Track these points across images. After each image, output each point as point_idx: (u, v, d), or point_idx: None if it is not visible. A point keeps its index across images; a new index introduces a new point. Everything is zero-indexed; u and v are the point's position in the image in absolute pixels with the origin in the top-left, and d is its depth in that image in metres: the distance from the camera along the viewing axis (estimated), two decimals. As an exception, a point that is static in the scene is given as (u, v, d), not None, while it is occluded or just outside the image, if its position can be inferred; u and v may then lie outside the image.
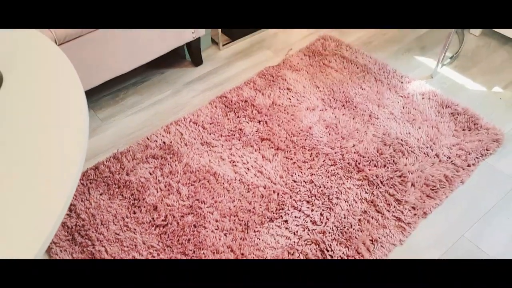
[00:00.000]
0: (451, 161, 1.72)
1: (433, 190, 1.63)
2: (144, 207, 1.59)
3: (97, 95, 2.09)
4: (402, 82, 2.06)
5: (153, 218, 1.55)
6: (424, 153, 1.75)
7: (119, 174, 1.70)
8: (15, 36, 1.06)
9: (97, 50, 1.76)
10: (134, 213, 1.57)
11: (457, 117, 1.89)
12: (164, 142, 1.82)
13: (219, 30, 2.29)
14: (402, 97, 1.99)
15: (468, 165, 1.71)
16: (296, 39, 2.38)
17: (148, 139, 1.83)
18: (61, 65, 0.95)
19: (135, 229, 1.53)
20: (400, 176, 1.68)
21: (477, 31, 2.31)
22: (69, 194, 0.74)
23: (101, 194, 1.63)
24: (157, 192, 1.63)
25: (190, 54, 2.23)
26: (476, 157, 1.74)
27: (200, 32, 2.10)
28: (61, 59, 0.96)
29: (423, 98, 1.98)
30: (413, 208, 1.58)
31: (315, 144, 1.79)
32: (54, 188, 0.75)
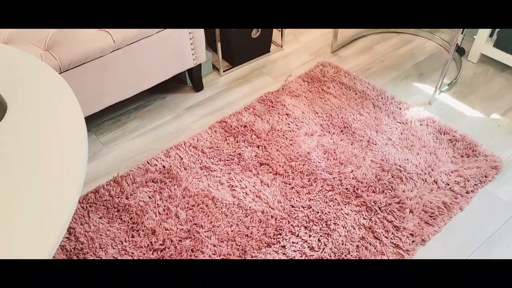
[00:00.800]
0: (450, 188, 1.72)
1: (431, 217, 1.63)
2: (143, 231, 1.59)
3: (100, 120, 2.12)
4: (400, 108, 2.08)
5: (151, 242, 1.55)
6: (423, 180, 1.76)
7: (118, 197, 1.71)
8: (20, 64, 1.09)
9: (100, 76, 1.80)
10: (133, 236, 1.58)
11: (455, 144, 1.90)
12: (164, 166, 1.83)
13: (220, 56, 2.34)
14: (400, 123, 2.01)
15: (467, 192, 1.71)
16: (295, 65, 2.42)
17: (148, 163, 1.85)
18: (62, 93, 0.98)
19: (133, 253, 1.53)
20: (398, 203, 1.68)
21: (475, 58, 2.35)
22: (67, 218, 0.76)
23: (100, 218, 1.64)
24: (156, 216, 1.64)
25: (191, 80, 2.27)
26: (475, 184, 1.74)
27: (201, 59, 2.14)
28: (63, 87, 0.99)
29: (421, 125, 1.99)
30: (412, 235, 1.57)
31: (313, 169, 1.80)
32: (54, 211, 0.76)
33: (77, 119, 0.92)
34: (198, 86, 2.27)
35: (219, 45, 2.30)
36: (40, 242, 0.72)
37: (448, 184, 1.74)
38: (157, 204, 1.68)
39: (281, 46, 2.57)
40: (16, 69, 1.07)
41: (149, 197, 1.71)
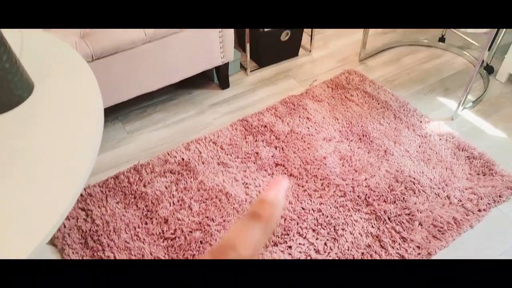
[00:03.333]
0: (462, 204, 1.72)
1: (440, 231, 1.63)
2: (156, 219, 1.66)
3: (127, 109, 2.21)
4: (421, 122, 2.08)
5: (162, 231, 1.62)
6: (435, 194, 1.76)
7: (136, 185, 1.79)
8: (53, 50, 1.17)
9: (130, 67, 1.88)
10: (146, 223, 1.65)
11: (472, 161, 1.89)
12: (182, 159, 1.90)
13: (248, 56, 2.39)
14: (419, 136, 2.01)
15: (479, 210, 1.70)
16: (321, 71, 2.45)
17: (168, 154, 1.92)
18: (87, 82, 1.05)
19: (144, 239, 1.60)
20: (408, 214, 1.69)
21: (503, 78, 2.32)
22: (76, 190, 0.82)
23: (117, 203, 1.72)
24: (170, 206, 1.71)
25: (218, 77, 2.34)
26: (488, 203, 1.73)
27: (229, 58, 2.20)
28: (89, 76, 1.06)
29: (440, 139, 1.99)
30: (418, 247, 1.58)
31: (327, 174, 1.83)
32: (64, 183, 0.83)
33: (96, 105, 0.99)
34: (224, 84, 2.34)
35: (248, 45, 2.35)
36: (38, 225, 0.78)
37: (461, 201, 1.73)
38: (172, 195, 1.75)
39: (310, 51, 2.60)
40: (49, 54, 1.16)
41: (166, 187, 1.78)
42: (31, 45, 1.18)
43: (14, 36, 1.21)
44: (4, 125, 0.94)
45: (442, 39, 2.61)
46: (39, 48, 1.18)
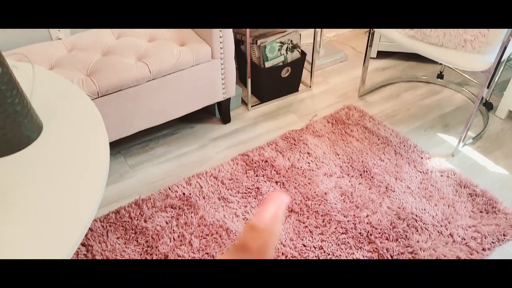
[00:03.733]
0: (466, 243, 1.70)
1: (443, 270, 1.61)
2: (156, 255, 1.64)
3: (129, 143, 2.22)
4: (422, 158, 2.09)
5: (162, 267, 1.60)
6: (438, 232, 1.74)
7: (137, 220, 1.78)
8: (60, 89, 1.20)
9: (134, 103, 1.91)
10: (146, 260, 1.63)
11: (475, 198, 1.88)
12: (183, 193, 1.90)
13: (249, 92, 2.42)
14: (420, 172, 2.01)
15: (483, 249, 1.68)
16: (321, 106, 2.48)
17: (169, 188, 1.92)
18: (93, 120, 1.07)
19: (144, 276, 1.57)
20: (411, 253, 1.67)
21: (503, 114, 2.34)
22: (84, 226, 0.82)
23: (118, 238, 1.71)
24: (170, 241, 1.69)
25: (220, 112, 2.36)
26: (492, 242, 1.71)
27: (231, 93, 2.23)
28: (95, 115, 1.08)
29: (441, 176, 1.99)
30: (422, 286, 1.55)
31: (328, 210, 1.82)
32: (71, 223, 0.82)
33: (102, 145, 1.00)
34: (225, 119, 2.36)
35: (249, 81, 2.39)
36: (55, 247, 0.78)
37: (464, 239, 1.72)
38: (173, 230, 1.74)
39: (310, 87, 2.64)
40: (57, 93, 1.18)
41: (166, 222, 1.77)
42: (40, 85, 1.21)
43: (25, 75, 1.23)
44: (13, 165, 0.95)
45: (440, 76, 2.65)
46: (47, 88, 1.20)
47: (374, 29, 2.24)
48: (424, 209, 1.83)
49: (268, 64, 2.38)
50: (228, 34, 2.02)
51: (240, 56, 2.49)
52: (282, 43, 2.36)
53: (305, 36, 2.98)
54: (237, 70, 2.59)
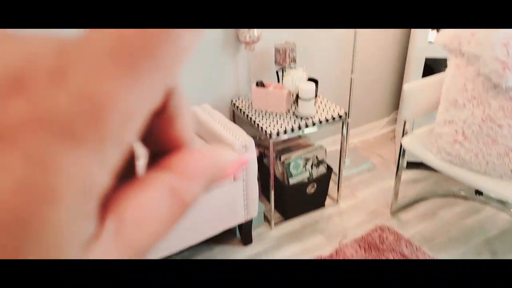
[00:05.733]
0: None
1: None
2: None
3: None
4: (471, 295, 1.82)
5: None
6: None
7: None
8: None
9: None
10: None
11: None
12: None
13: (272, 209, 2.26)
14: (472, 315, 1.74)
15: None
16: (351, 224, 2.28)
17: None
18: None
19: None
20: None
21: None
22: None
23: None
24: None
25: (241, 232, 2.18)
26: None
27: (253, 213, 2.07)
28: None
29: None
30: None
31: None
32: None
33: None
34: (247, 240, 2.17)
35: (272, 197, 2.23)
36: None
37: None
38: None
39: (337, 201, 2.46)
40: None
41: None
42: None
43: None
44: None
45: (479, 192, 2.45)
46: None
47: (405, 148, 2.09)
48: None
49: (292, 181, 2.23)
50: (251, 156, 1.91)
51: (262, 169, 2.36)
52: (307, 159, 2.23)
53: (329, 143, 2.86)
54: (258, 181, 2.45)
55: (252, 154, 1.94)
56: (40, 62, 0.13)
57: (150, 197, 0.16)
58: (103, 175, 0.13)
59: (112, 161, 0.14)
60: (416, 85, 2.04)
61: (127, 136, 0.14)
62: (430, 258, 2.01)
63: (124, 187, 0.16)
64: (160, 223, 0.17)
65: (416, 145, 2.02)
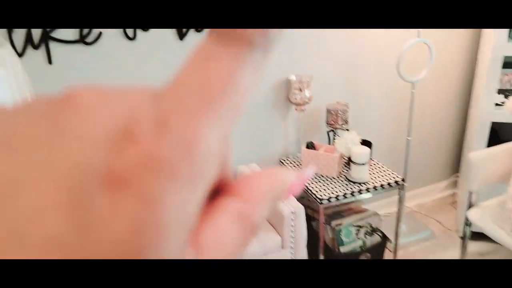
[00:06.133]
0: None
1: None
2: None
3: None
4: None
5: None
6: None
7: None
8: None
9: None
10: None
11: None
12: None
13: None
14: None
15: None
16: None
17: None
18: None
19: None
20: None
21: None
22: None
23: None
24: None
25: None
26: None
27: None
28: None
29: None
30: None
31: None
32: None
33: None
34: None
35: (321, 267, 2.07)
36: None
37: None
38: None
39: (392, 273, 2.25)
40: None
41: None
42: None
43: None
44: None
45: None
46: None
47: (472, 222, 1.88)
48: None
49: (343, 249, 2.07)
50: (300, 223, 1.79)
51: (310, 234, 2.21)
52: (360, 226, 2.07)
53: (382, 205, 2.67)
54: (307, 247, 2.30)
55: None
56: (142, 114, 0.15)
57: (221, 223, 0.17)
58: (195, 207, 0.15)
59: (201, 194, 0.15)
60: (484, 154, 1.87)
61: (212, 169, 0.15)
62: None
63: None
64: (233, 246, 0.17)
65: (485, 221, 1.82)
